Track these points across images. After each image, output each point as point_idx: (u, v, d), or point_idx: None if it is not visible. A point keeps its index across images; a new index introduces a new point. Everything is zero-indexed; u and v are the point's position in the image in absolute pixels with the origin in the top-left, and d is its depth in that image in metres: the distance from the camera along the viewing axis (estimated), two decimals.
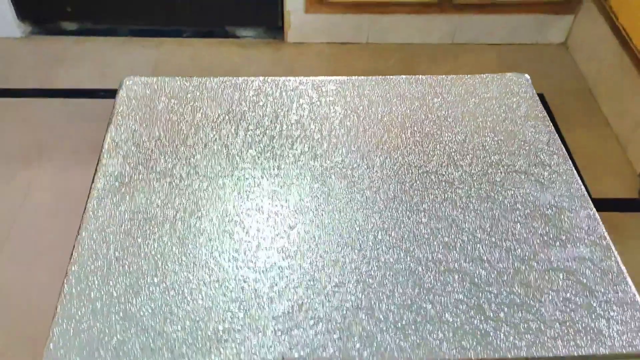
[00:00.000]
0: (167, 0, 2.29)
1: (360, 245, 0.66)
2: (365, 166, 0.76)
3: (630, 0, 1.99)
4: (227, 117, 0.81)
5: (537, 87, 2.33)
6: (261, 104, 0.83)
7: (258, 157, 0.76)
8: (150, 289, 0.62)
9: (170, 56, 2.34)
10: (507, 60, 2.42)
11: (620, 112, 2.07)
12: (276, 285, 0.62)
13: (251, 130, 0.79)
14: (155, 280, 0.62)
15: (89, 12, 2.33)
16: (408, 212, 0.70)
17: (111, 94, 2.17)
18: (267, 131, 0.79)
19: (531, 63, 2.37)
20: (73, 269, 0.64)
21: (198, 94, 0.84)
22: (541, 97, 2.20)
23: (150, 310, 0.60)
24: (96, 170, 0.74)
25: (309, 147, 0.78)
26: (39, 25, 2.43)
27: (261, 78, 0.87)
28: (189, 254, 0.65)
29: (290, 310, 0.60)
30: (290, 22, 2.36)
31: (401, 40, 2.46)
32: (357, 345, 0.58)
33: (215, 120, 0.80)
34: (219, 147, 0.77)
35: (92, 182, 0.73)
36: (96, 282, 0.62)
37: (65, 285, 0.62)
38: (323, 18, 2.36)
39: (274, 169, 0.74)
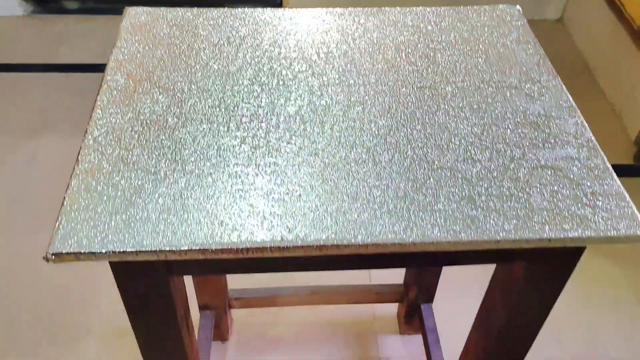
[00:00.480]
0: None
1: (355, 148, 0.69)
2: (361, 82, 0.78)
3: None
4: (226, 42, 0.84)
5: None
6: (260, 30, 0.86)
7: (256, 77, 0.78)
8: (159, 185, 0.64)
9: None
10: None
11: (616, 82, 2.10)
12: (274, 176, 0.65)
13: (250, 52, 0.82)
14: (164, 177, 0.65)
15: None
16: (402, 120, 0.73)
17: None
18: (266, 54, 0.82)
19: None
20: (80, 167, 0.66)
21: (199, 21, 0.87)
22: None
23: (160, 201, 0.63)
24: (100, 85, 0.77)
25: (307, 67, 0.80)
26: (40, 4, 2.47)
27: (260, 9, 0.90)
28: (196, 152, 0.67)
29: (288, 198, 0.63)
30: None
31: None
32: (352, 230, 0.61)
33: (215, 44, 0.83)
34: (219, 67, 0.79)
35: (97, 96, 0.75)
36: (102, 179, 0.65)
37: (73, 180, 0.65)
38: None
39: (272, 84, 0.77)
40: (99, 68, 2.17)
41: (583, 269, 1.60)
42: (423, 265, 0.69)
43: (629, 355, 1.43)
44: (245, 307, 1.41)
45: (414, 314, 1.42)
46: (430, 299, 1.38)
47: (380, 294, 1.42)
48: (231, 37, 0.85)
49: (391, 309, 1.50)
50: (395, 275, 1.46)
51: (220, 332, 1.42)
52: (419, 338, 1.46)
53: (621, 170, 1.91)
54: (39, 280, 1.54)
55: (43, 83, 2.10)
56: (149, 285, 0.67)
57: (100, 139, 0.70)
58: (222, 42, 0.84)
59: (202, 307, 1.34)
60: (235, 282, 1.44)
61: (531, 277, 0.71)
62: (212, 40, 0.84)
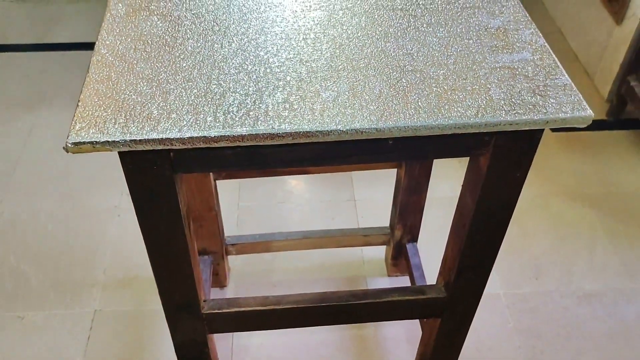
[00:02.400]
0: None
1: (332, 55, 0.78)
2: (339, 7, 0.87)
3: None
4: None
5: None
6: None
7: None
8: (162, 90, 0.73)
9: None
10: None
11: (587, 43, 2.20)
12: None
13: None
14: (169, 82, 0.73)
15: None
16: (377, 36, 0.82)
17: None
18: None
19: None
20: (90, 77, 0.74)
21: None
22: None
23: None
24: (104, 14, 0.85)
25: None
26: None
27: None
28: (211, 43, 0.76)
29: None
30: None
31: None
32: (334, 119, 0.69)
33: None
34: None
35: (102, 23, 0.83)
36: (111, 85, 0.73)
37: (84, 88, 0.73)
38: None
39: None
40: (92, 46, 2.24)
41: (559, 214, 1.70)
42: (400, 158, 0.76)
43: (601, 287, 1.53)
44: (241, 253, 1.50)
45: (401, 255, 1.51)
46: (414, 238, 1.47)
47: (368, 237, 1.51)
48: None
49: (379, 253, 1.59)
50: (382, 220, 1.55)
51: (219, 279, 1.51)
52: (406, 279, 1.55)
53: (596, 125, 2.01)
54: (44, 237, 1.61)
55: (39, 61, 2.18)
56: (156, 182, 0.75)
57: (107, 56, 0.78)
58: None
59: (201, 252, 1.42)
60: (231, 230, 1.52)
61: (495, 169, 0.80)
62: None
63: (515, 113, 0.71)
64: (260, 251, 1.50)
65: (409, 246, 1.47)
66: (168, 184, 0.76)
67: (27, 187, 1.75)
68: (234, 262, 1.57)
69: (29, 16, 2.39)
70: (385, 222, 1.51)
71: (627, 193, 1.77)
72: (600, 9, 2.05)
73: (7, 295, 1.50)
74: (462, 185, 0.90)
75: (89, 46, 2.25)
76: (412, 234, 1.45)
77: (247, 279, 1.54)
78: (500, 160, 0.79)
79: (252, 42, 0.81)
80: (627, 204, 1.74)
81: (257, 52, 0.79)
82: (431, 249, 1.53)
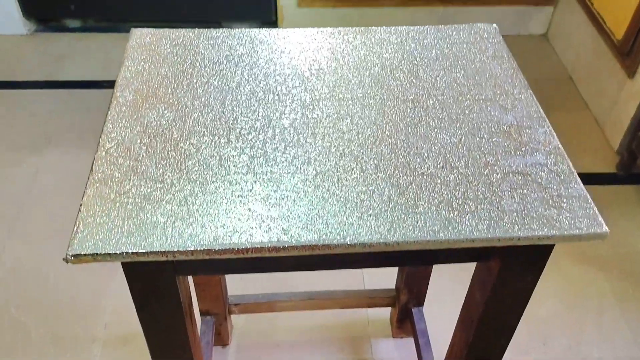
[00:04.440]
0: None
1: (344, 157, 0.76)
2: (350, 97, 0.86)
3: None
4: (225, 60, 0.91)
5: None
6: (257, 49, 0.93)
7: (254, 93, 0.85)
8: (167, 194, 0.71)
9: None
10: None
11: (598, 93, 2.19)
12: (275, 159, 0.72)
13: (248, 70, 0.89)
14: (174, 184, 0.72)
15: (91, 9, 2.44)
16: (387, 131, 0.80)
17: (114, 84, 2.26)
18: (263, 70, 0.89)
19: (513, 54, 2.48)
20: (93, 176, 0.73)
21: (199, 41, 0.94)
22: None
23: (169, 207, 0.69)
24: (110, 102, 0.84)
25: (299, 82, 0.87)
26: (43, 22, 2.54)
27: (256, 29, 0.97)
28: (203, 159, 0.74)
29: (283, 202, 0.70)
30: (283, 16, 2.48)
31: None
32: (341, 231, 0.67)
33: (215, 62, 0.90)
34: (220, 84, 0.87)
35: (107, 111, 0.82)
36: (115, 187, 0.72)
37: (88, 189, 0.71)
38: (314, 11, 2.47)
39: (269, 100, 0.84)
40: (102, 85, 2.24)
41: (568, 276, 1.67)
42: (407, 264, 0.75)
43: (610, 355, 1.50)
44: (245, 312, 1.47)
45: (406, 318, 1.49)
46: (420, 302, 1.44)
47: (373, 299, 1.48)
48: (230, 56, 0.92)
49: (384, 313, 1.57)
50: (387, 281, 1.52)
51: (221, 338, 1.48)
52: (410, 341, 1.52)
53: (605, 179, 1.98)
54: (45, 288, 1.59)
55: (46, 99, 2.17)
56: (158, 284, 0.73)
57: (111, 151, 0.76)
58: (221, 60, 0.91)
59: (204, 313, 1.40)
60: (235, 289, 1.50)
61: (506, 274, 0.78)
62: (212, 58, 0.91)
63: (528, 228, 0.69)
64: (264, 311, 1.48)
65: (414, 310, 1.44)
66: (170, 285, 0.74)
67: (31, 234, 1.73)
68: (237, 320, 1.54)
69: (39, 52, 2.40)
70: (391, 284, 1.49)
71: (637, 253, 1.74)
72: (613, 61, 2.03)
73: (6, 347, 1.48)
74: (471, 281, 0.88)
75: (98, 85, 2.25)
76: (418, 299, 1.42)
77: (249, 338, 1.52)
78: (511, 267, 0.77)
79: (260, 136, 0.79)
80: (637, 266, 1.71)
81: (265, 148, 0.77)
82: (436, 314, 1.50)
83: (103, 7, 2.42)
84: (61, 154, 1.96)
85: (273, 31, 0.97)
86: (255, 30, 0.97)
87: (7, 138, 2.01)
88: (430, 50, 0.94)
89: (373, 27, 0.99)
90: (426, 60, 0.93)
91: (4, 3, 2.36)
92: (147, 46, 0.93)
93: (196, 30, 0.97)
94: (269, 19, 2.49)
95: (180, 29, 0.97)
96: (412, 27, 0.99)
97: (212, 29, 0.97)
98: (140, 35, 0.95)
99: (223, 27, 2.59)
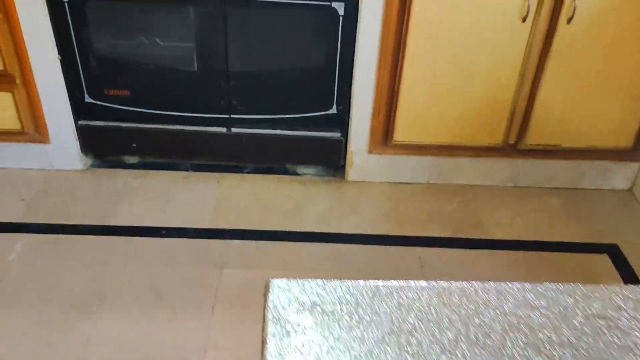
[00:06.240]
0: (229, 139, 2.31)
1: None
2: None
3: None
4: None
5: (609, 236, 2.25)
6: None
7: None
8: None
9: (232, 193, 2.32)
10: (572, 206, 2.37)
11: None
12: None
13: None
14: None
15: (153, 147, 2.35)
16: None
17: (172, 232, 2.12)
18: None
19: (597, 209, 2.32)
20: None
21: (338, 294, 0.77)
22: (615, 247, 2.13)
23: None
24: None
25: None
26: (100, 158, 2.45)
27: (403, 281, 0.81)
28: None
29: None
30: (352, 161, 2.36)
31: (462, 182, 2.44)
32: None
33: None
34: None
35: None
36: None
37: None
38: (385, 158, 2.36)
39: None
40: (159, 232, 2.09)
41: None
42: None
43: None
44: None
45: None
46: None
47: None
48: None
49: None
50: None
51: None
52: None
53: None
54: None
55: (100, 248, 2.02)
56: None
57: None
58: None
59: None
60: None
61: None
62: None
63: None
64: None
65: None
66: None
67: None
68: None
69: (94, 191, 2.28)
70: None
71: None
72: None
73: None
74: None
75: (155, 232, 2.10)
76: None
77: None
78: None
79: None
80: None
81: None
82: None
83: (166, 146, 2.32)
84: (116, 319, 1.77)
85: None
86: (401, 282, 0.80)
87: (57, 295, 1.84)
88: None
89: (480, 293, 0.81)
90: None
91: (63, 138, 2.27)
92: (287, 308, 0.76)
93: (335, 281, 0.80)
94: (336, 164, 2.37)
95: (318, 281, 0.80)
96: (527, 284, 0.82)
97: (350, 284, 0.80)
98: (279, 290, 0.79)
99: (287, 169, 2.48)
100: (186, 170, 2.40)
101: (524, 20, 1.96)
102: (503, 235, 2.16)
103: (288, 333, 0.72)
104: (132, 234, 2.08)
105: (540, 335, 0.74)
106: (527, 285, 0.81)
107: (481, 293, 0.79)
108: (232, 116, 2.23)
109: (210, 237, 2.09)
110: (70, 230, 2.08)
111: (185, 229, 2.11)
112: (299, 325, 0.74)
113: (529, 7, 1.92)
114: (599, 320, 0.76)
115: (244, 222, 2.15)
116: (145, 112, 2.21)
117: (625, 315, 0.77)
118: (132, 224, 2.12)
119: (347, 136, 2.27)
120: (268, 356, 0.69)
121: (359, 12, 1.98)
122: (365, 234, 2.14)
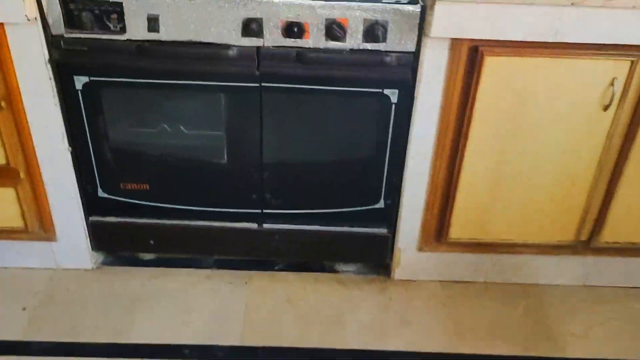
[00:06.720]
0: (260, 236, 2.03)
1: None
2: None
3: None
4: None
5: None
6: None
7: None
8: None
9: (263, 298, 2.02)
10: None
11: None
12: None
13: None
14: None
15: (172, 244, 2.07)
16: None
17: (196, 351, 1.80)
18: None
19: None
20: None
21: None
22: None
23: None
24: None
25: None
26: (112, 254, 2.17)
27: None
28: None
29: None
30: (399, 259, 2.07)
31: (524, 281, 2.14)
32: None
33: None
34: None
35: None
36: None
37: None
38: (437, 256, 2.07)
39: None
40: (181, 352, 1.79)
41: None
42: None
43: None
44: None
45: None
46: None
47: None
48: None
49: None
50: None
51: None
52: None
53: None
54: None
55: None
56: None
57: None
58: None
59: None
60: None
61: None
62: None
63: None
64: None
65: None
66: None
67: None
68: None
69: (106, 295, 1.98)
70: None
71: None
72: None
73: None
74: None
75: (177, 352, 1.80)
76: None
77: None
78: None
79: None
80: None
81: None
82: None
83: (187, 243, 2.04)
84: None
85: None
86: None
87: None
88: None
89: None
90: None
91: (72, 235, 2.00)
92: None
93: None
94: (382, 262, 2.08)
95: None
96: None
97: None
98: None
99: (324, 266, 2.19)
100: (209, 267, 2.11)
101: (605, 108, 1.70)
102: (581, 352, 1.86)
103: None
104: (150, 355, 1.78)
105: None
106: None
107: None
108: (264, 211, 1.95)
109: (239, 357, 1.79)
110: (78, 351, 1.77)
111: (211, 347, 1.81)
112: None
113: (613, 94, 1.66)
114: None
115: (277, 337, 1.85)
116: (167, 207, 1.93)
117: None
118: (150, 341, 1.82)
119: (394, 232, 1.99)
120: None
121: (414, 100, 1.72)
122: (419, 352, 1.84)
